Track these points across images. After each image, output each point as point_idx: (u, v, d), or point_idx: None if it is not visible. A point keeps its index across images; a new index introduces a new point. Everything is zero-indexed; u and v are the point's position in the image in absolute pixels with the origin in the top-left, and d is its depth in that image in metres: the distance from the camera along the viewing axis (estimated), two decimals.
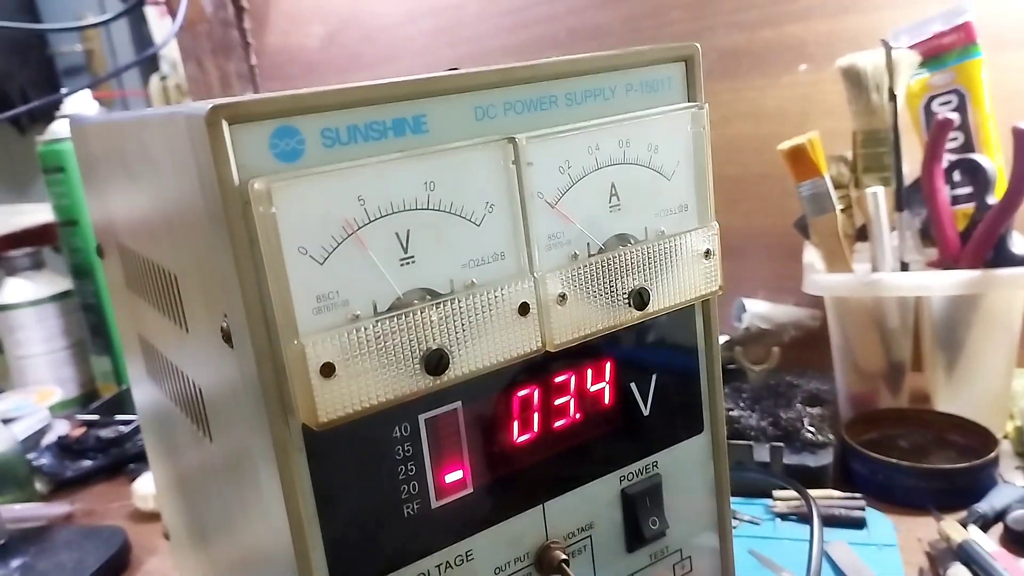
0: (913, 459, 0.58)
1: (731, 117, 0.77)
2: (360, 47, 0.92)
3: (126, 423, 0.82)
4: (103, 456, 0.80)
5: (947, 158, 0.61)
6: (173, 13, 0.92)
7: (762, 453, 0.60)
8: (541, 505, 0.36)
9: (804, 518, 0.56)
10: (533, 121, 0.32)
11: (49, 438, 0.84)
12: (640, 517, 0.38)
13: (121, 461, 0.79)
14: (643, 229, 0.35)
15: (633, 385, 0.38)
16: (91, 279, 0.95)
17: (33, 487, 0.77)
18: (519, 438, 0.35)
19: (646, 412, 0.38)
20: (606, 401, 0.37)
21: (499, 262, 0.32)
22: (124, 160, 0.39)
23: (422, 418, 0.32)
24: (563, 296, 0.33)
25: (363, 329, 0.28)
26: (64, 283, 0.99)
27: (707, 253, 0.36)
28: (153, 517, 0.69)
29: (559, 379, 0.35)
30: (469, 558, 0.34)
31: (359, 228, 0.29)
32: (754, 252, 0.78)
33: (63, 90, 0.92)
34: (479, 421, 0.34)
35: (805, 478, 0.58)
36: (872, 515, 0.55)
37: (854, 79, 0.61)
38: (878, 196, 0.60)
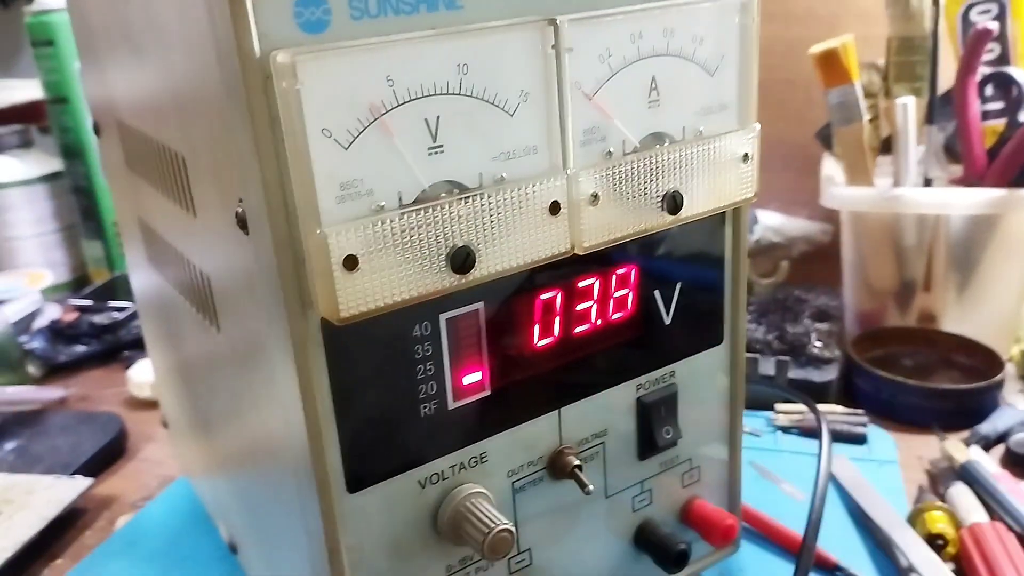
0: (918, 378, 0.58)
1: (761, 17, 0.73)
2: None
3: (120, 309, 0.81)
4: (97, 342, 0.79)
5: (982, 71, 0.59)
6: None
7: (767, 366, 0.59)
8: (557, 410, 0.35)
9: (806, 432, 0.56)
10: (574, 2, 0.30)
11: (41, 322, 0.82)
12: (654, 426, 0.38)
13: (115, 348, 0.79)
14: (681, 128, 0.33)
15: (657, 293, 0.36)
16: (82, 160, 0.92)
17: (25, 371, 0.76)
18: (539, 342, 0.34)
19: (668, 321, 0.37)
20: (629, 308, 0.36)
21: (531, 156, 0.30)
22: (128, 32, 0.36)
23: (443, 317, 0.31)
24: (595, 196, 0.31)
25: (388, 221, 0.27)
26: (54, 163, 0.95)
27: (745, 157, 0.34)
28: (149, 405, 0.69)
29: (583, 283, 0.34)
30: (483, 460, 0.34)
31: (387, 111, 0.27)
32: (770, 162, 0.75)
33: None
34: (500, 323, 0.32)
35: (809, 393, 0.58)
36: (874, 432, 0.55)
37: None
38: (908, 107, 0.58)
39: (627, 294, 0.36)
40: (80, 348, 0.78)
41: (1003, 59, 0.60)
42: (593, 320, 0.35)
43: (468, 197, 0.28)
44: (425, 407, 0.31)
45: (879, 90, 0.62)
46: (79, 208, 0.94)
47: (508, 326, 0.33)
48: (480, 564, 0.34)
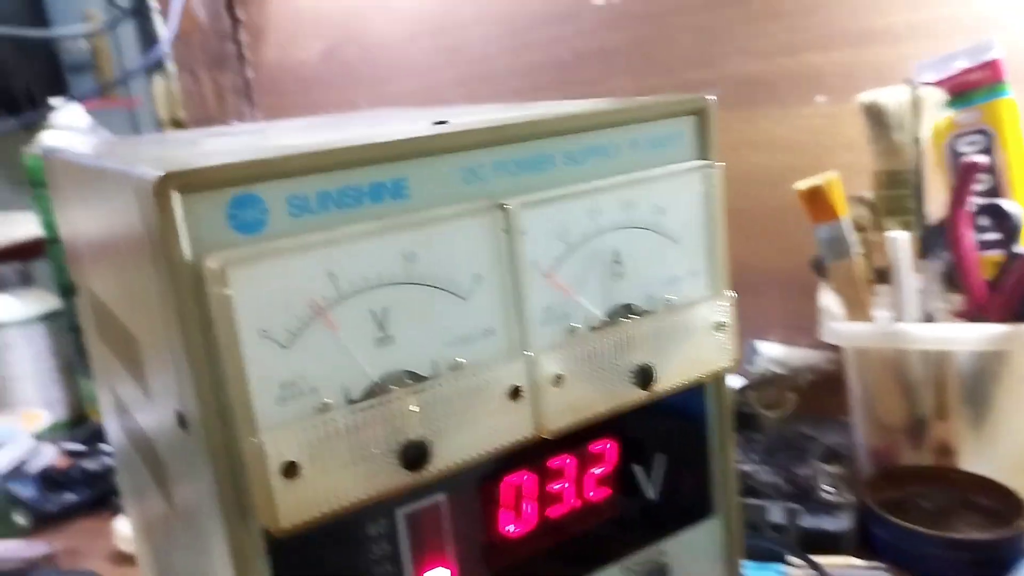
0: (937, 523, 0.54)
1: (744, 148, 0.73)
2: (359, 64, 0.89)
3: (112, 454, 0.79)
4: (88, 489, 0.77)
5: (974, 201, 0.58)
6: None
7: (776, 513, 0.56)
8: None
9: None
10: (527, 183, 0.29)
11: (33, 468, 0.81)
12: None
13: (107, 494, 0.76)
14: (648, 298, 0.32)
15: (638, 467, 0.34)
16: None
17: (11, 521, 0.74)
18: (511, 530, 0.31)
19: (652, 496, 0.35)
20: (608, 486, 0.34)
21: (488, 339, 0.29)
22: (88, 206, 0.36)
23: (401, 513, 0.29)
24: (559, 376, 0.29)
25: (332, 421, 0.25)
26: (54, 301, 0.96)
27: (719, 325, 0.33)
28: (133, 560, 0.66)
29: (556, 464, 0.32)
30: None
31: (329, 307, 0.25)
32: (767, 290, 0.74)
33: (53, 101, 0.89)
34: (466, 513, 0.30)
35: (824, 542, 0.55)
36: None
37: (876, 117, 0.58)
38: (900, 242, 0.57)
39: (605, 471, 0.33)
40: (71, 497, 0.76)
41: (995, 191, 0.59)
42: (569, 501, 0.33)
43: (420, 388, 0.27)
44: None
45: (869, 224, 0.60)
46: (76, 346, 0.94)
47: (475, 515, 0.31)
48: None
